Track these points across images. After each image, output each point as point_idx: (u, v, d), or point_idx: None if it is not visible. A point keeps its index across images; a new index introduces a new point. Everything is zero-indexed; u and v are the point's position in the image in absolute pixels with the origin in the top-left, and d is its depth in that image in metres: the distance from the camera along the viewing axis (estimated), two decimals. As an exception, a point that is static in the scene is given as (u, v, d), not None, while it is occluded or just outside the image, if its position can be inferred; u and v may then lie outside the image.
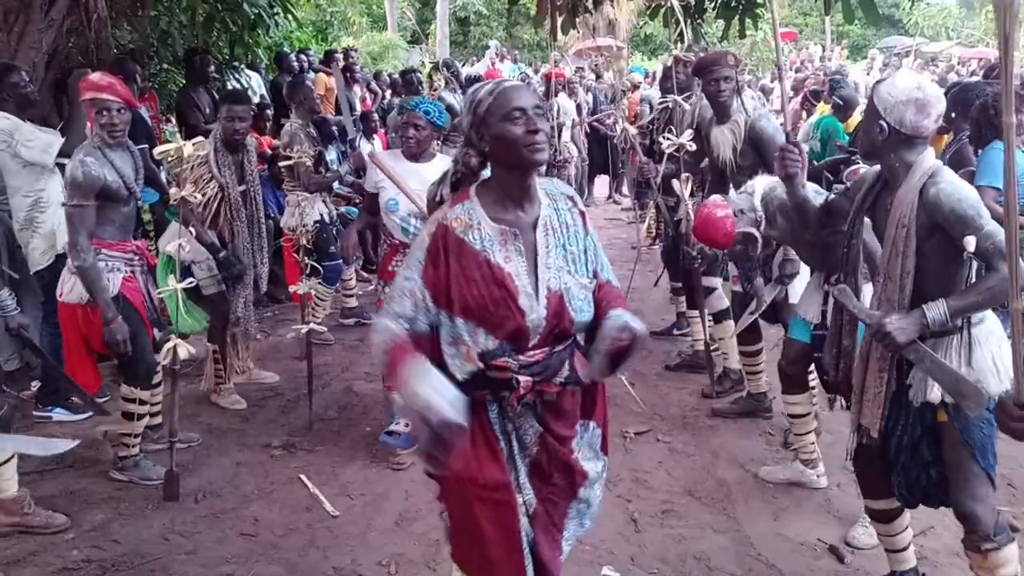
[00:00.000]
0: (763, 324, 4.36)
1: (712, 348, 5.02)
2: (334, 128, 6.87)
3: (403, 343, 1.96)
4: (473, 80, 8.75)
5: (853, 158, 5.90)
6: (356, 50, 11.85)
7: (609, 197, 12.08)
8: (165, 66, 8.43)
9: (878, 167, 2.65)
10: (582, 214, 2.16)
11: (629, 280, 5.67)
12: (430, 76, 8.63)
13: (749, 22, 7.35)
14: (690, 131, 4.66)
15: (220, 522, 3.58)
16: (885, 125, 2.48)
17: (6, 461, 3.40)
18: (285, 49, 9.87)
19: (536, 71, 15.96)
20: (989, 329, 2.53)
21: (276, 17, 8.79)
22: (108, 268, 3.71)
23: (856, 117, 6.85)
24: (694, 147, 4.64)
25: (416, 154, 3.97)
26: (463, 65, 16.10)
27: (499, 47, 20.42)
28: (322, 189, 5.57)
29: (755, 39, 18.26)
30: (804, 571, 3.21)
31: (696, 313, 5.19)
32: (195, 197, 4.06)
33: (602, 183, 12.20)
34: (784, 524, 3.54)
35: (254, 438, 4.41)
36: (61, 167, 4.16)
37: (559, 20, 6.85)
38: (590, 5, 6.89)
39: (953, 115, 4.72)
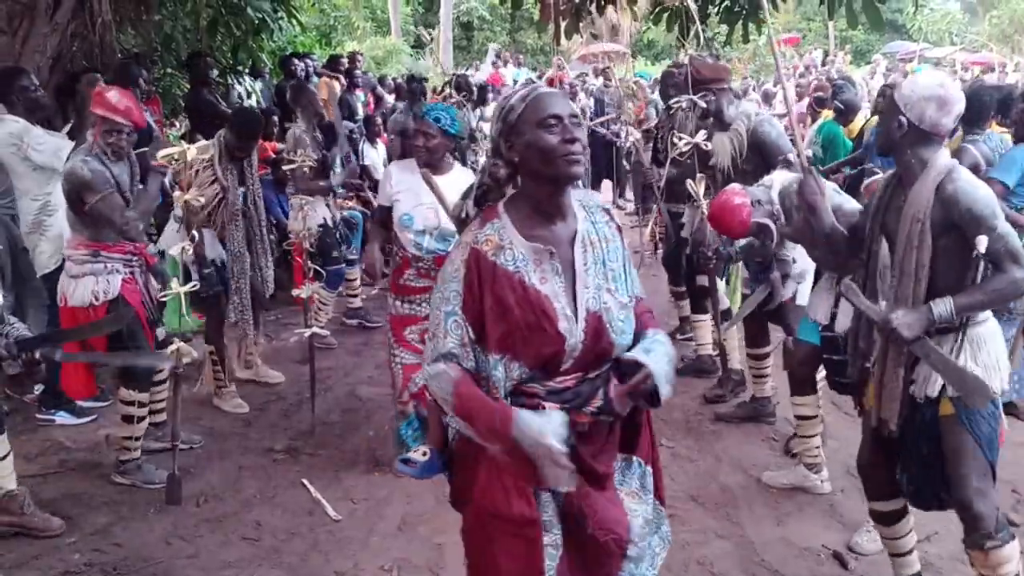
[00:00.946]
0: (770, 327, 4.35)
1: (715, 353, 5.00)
2: (348, 131, 6.87)
3: (467, 383, 1.83)
4: (482, 89, 8.75)
5: (866, 166, 5.91)
6: (362, 55, 11.87)
7: (613, 202, 12.07)
8: (169, 70, 8.46)
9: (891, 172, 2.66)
10: (619, 228, 2.01)
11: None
12: (442, 89, 8.56)
13: (752, 26, 7.35)
14: (704, 132, 4.61)
15: (222, 526, 3.57)
16: (904, 120, 2.48)
17: (4, 456, 3.39)
18: (290, 54, 9.89)
19: (540, 75, 15.97)
20: (992, 329, 2.56)
21: (280, 22, 8.82)
22: (107, 270, 3.74)
23: (859, 121, 6.85)
24: (709, 146, 4.51)
25: (429, 164, 3.73)
26: (466, 69, 16.12)
27: (500, 50, 20.41)
28: (318, 194, 5.53)
29: (758, 44, 18.26)
30: (808, 577, 3.20)
31: (700, 317, 5.18)
32: (198, 200, 4.06)
33: (605, 188, 12.19)
34: (788, 529, 3.52)
35: (256, 442, 4.40)
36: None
37: (562, 24, 6.86)
38: (593, 9, 6.89)
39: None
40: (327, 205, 5.77)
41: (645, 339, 1.96)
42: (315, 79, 8.77)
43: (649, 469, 2.06)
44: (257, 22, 8.11)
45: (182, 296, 3.84)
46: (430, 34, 21.53)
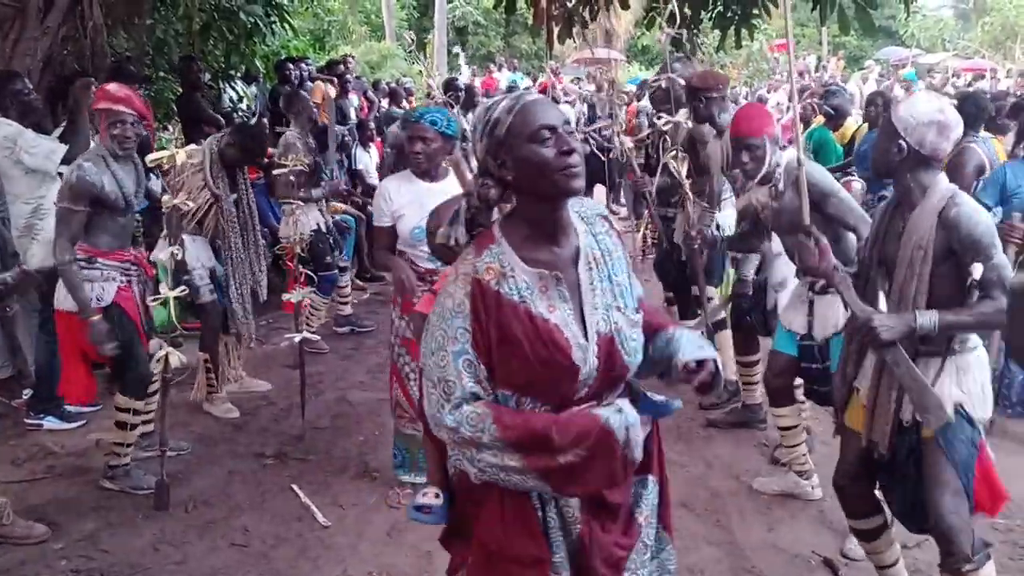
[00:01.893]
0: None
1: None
2: (341, 136, 6.86)
3: (506, 411, 1.70)
4: (468, 90, 8.73)
5: (849, 171, 5.91)
6: (353, 57, 11.86)
7: (606, 207, 12.08)
8: (161, 74, 8.44)
9: (885, 191, 2.66)
10: (618, 234, 1.90)
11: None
12: (428, 93, 8.54)
13: (745, 32, 7.36)
14: (684, 110, 4.76)
15: (210, 532, 3.56)
16: (904, 145, 2.47)
17: None
18: (285, 58, 9.89)
19: (535, 80, 15.99)
20: (979, 357, 2.57)
21: (273, 26, 8.81)
22: (103, 277, 3.71)
23: (851, 126, 6.87)
24: (690, 124, 4.72)
25: (428, 171, 3.54)
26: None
27: (475, 69, 20.40)
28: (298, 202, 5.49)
29: (751, 49, 18.31)
30: (798, 583, 3.19)
31: (689, 323, 5.17)
32: (187, 204, 4.05)
33: (598, 193, 12.20)
34: (778, 535, 3.52)
35: (246, 447, 4.38)
36: (62, 175, 4.16)
37: (555, 30, 6.85)
38: (587, 16, 6.89)
39: None
40: (319, 211, 5.76)
41: (675, 336, 1.88)
42: (309, 84, 8.77)
43: (658, 488, 1.95)
44: (250, 26, 8.10)
45: (171, 301, 3.83)
46: (423, 38, 21.48)
